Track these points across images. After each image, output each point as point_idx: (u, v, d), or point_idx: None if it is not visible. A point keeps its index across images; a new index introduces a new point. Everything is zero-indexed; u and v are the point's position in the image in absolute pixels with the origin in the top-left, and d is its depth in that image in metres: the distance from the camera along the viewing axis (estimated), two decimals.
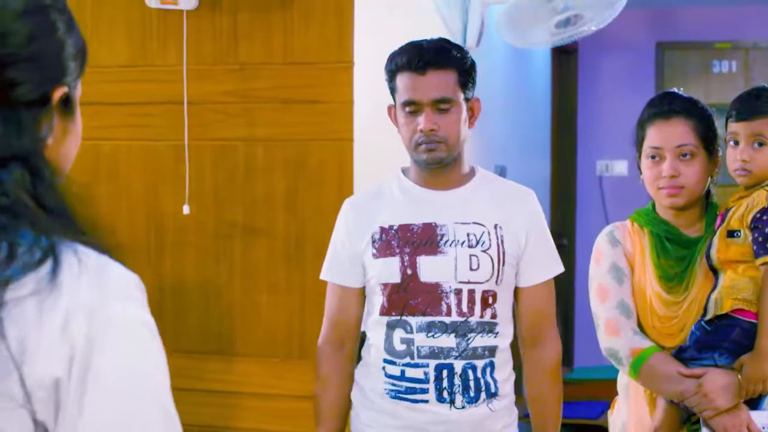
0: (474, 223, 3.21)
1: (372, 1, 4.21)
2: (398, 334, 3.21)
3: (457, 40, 5.09)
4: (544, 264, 3.31)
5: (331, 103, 4.11)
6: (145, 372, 1.40)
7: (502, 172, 6.23)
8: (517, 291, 3.30)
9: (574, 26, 5.10)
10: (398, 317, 3.20)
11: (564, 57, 8.81)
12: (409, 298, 3.18)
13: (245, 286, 4.27)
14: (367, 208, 3.31)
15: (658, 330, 3.21)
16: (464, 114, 3.20)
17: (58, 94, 1.47)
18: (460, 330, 3.17)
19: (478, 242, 3.19)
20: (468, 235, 3.19)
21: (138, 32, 4.34)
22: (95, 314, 1.34)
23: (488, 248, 3.19)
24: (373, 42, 4.22)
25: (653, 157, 3.23)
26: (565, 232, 8.77)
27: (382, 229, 3.24)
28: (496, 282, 3.20)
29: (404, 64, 3.17)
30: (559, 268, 3.35)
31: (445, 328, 3.16)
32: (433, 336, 3.17)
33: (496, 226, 3.22)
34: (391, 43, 4.30)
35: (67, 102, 1.49)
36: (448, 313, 3.16)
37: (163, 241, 4.35)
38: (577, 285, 8.11)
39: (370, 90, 4.16)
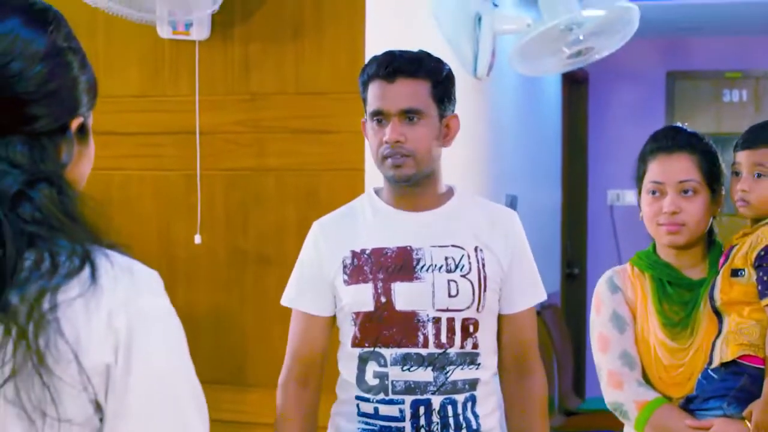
0: (453, 246, 2.99)
1: (383, 32, 4.23)
2: (371, 367, 2.97)
3: (467, 69, 5.11)
4: (529, 290, 3.11)
5: (342, 132, 4.12)
6: (174, 351, 1.68)
7: (513, 201, 6.23)
8: (499, 318, 3.07)
9: (584, 56, 5.12)
10: (371, 349, 2.97)
11: (575, 86, 8.82)
12: (382, 327, 2.95)
13: (257, 315, 4.27)
14: (337, 230, 3.10)
15: (664, 380, 3.08)
16: (437, 129, 2.98)
17: (75, 123, 1.69)
18: (438, 362, 2.92)
19: (457, 266, 2.96)
20: (446, 258, 2.97)
21: (150, 62, 4.36)
22: (131, 308, 1.59)
23: (468, 273, 2.97)
24: None
25: (654, 193, 3.11)
26: (576, 261, 8.76)
27: (354, 254, 3.01)
28: (478, 309, 2.97)
29: (374, 72, 2.99)
30: (542, 296, 3.15)
31: (422, 361, 2.92)
32: (408, 369, 2.93)
33: (476, 249, 2.99)
34: None
35: (82, 129, 1.71)
36: (425, 344, 2.93)
37: (175, 271, 4.35)
38: (588, 313, 8.09)
39: None
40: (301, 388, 3.13)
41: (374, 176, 4.10)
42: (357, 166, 4.10)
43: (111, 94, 4.36)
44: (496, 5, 5.40)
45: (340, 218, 3.15)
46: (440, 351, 2.93)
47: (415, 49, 3.10)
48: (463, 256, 2.98)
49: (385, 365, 2.94)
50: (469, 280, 2.96)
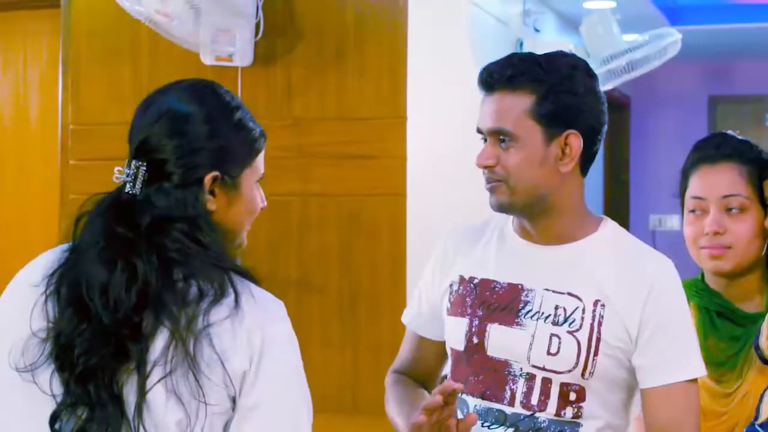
0: (569, 294, 2.44)
1: (425, 57, 4.23)
2: (456, 414, 2.43)
3: None
4: (672, 362, 2.40)
5: (384, 158, 4.12)
6: (293, 365, 2.10)
7: None
8: (647, 394, 2.43)
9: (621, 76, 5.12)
10: (459, 394, 2.46)
11: (617, 111, 8.80)
12: (470, 372, 2.50)
13: (299, 340, 4.26)
14: (461, 244, 2.64)
15: (703, 431, 2.50)
16: (538, 153, 2.42)
17: (208, 178, 2.08)
18: (523, 426, 2.43)
19: (566, 320, 2.42)
20: (556, 308, 2.44)
21: None
22: (266, 330, 2.04)
23: (577, 330, 2.41)
24: (427, 97, 4.24)
25: (694, 211, 2.66)
26: None
27: (462, 280, 2.57)
28: (583, 375, 2.40)
29: (478, 80, 2.51)
30: (694, 371, 2.42)
31: (504, 420, 2.45)
32: (488, 426, 2.47)
33: (596, 303, 2.41)
34: (444, 98, 4.32)
35: (224, 180, 2.12)
36: (511, 402, 2.44)
37: None
38: None
39: (423, 145, 4.17)
40: (404, 377, 2.75)
41: (416, 201, 4.11)
42: (399, 191, 4.10)
43: None
44: (537, 30, 5.40)
45: (467, 233, 2.68)
46: (527, 413, 2.44)
47: (551, 48, 2.62)
48: (577, 308, 2.43)
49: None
50: (576, 339, 2.42)
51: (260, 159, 2.28)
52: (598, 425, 2.43)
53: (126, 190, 2.05)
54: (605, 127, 2.53)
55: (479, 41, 4.85)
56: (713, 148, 2.68)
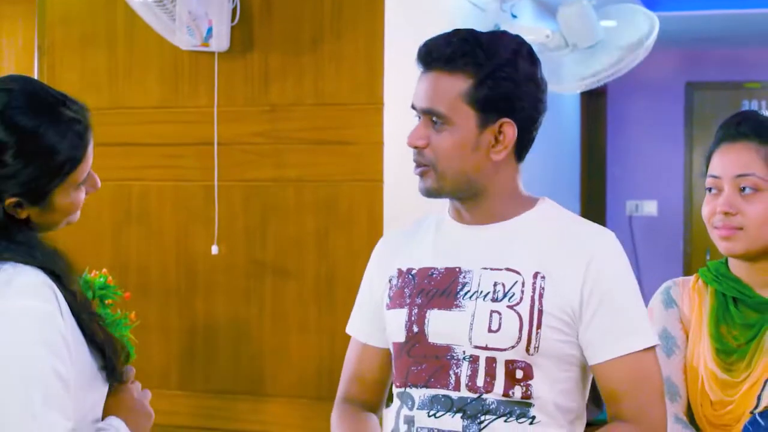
0: (507, 269, 2.36)
1: (402, 43, 4.23)
2: (402, 411, 2.43)
3: None
4: (622, 333, 2.33)
5: (361, 144, 4.12)
6: (17, 343, 2.02)
7: None
8: (597, 370, 2.36)
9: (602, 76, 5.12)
10: (402, 388, 2.43)
11: (593, 97, 8.82)
12: (411, 363, 2.41)
13: (275, 326, 4.27)
14: (395, 245, 2.59)
15: (708, 419, 2.51)
16: (471, 138, 2.34)
17: (7, 203, 2.12)
18: (470, 410, 2.33)
19: (505, 295, 2.33)
20: (495, 284, 2.35)
21: (170, 74, 4.37)
22: None
23: (517, 303, 2.32)
24: (404, 83, 4.23)
25: (710, 190, 2.59)
26: None
27: (400, 273, 2.49)
28: (528, 350, 2.31)
29: (417, 55, 2.42)
30: (645, 340, 2.34)
31: (450, 406, 2.35)
32: (434, 415, 2.36)
33: (536, 276, 2.34)
34: None
35: (25, 203, 2.15)
36: (456, 387, 2.34)
37: (194, 282, 4.36)
38: None
39: (400, 131, 4.16)
40: (352, 405, 2.62)
41: (393, 187, 4.11)
42: (376, 177, 4.10)
43: (130, 105, 4.38)
44: (515, 16, 5.41)
45: (401, 234, 2.63)
46: (474, 396, 2.33)
47: (491, 27, 2.41)
48: (516, 282, 2.34)
49: (413, 408, 2.40)
50: (517, 313, 2.32)
51: (84, 164, 2.21)
52: (549, 408, 2.34)
53: None
54: (543, 116, 2.46)
55: (456, 27, 4.85)
56: (734, 126, 2.57)
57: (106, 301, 3.63)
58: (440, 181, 2.37)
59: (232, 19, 4.20)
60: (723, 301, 2.57)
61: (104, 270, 3.71)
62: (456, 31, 2.40)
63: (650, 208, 8.76)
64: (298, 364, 4.25)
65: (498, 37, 2.40)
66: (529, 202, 2.46)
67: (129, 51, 4.43)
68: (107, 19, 4.43)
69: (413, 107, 2.40)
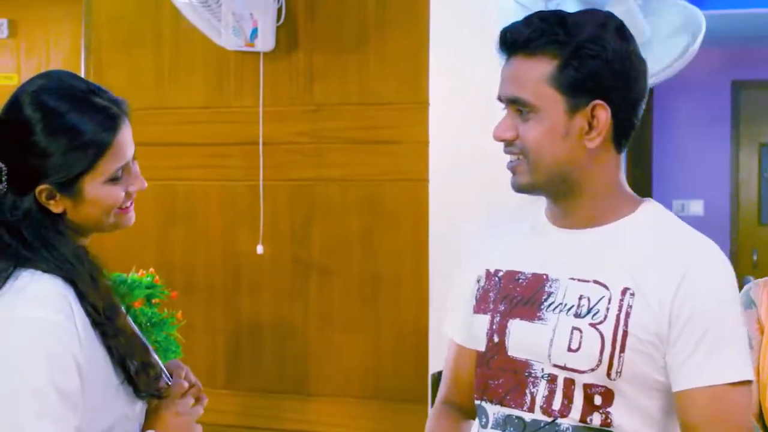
0: (594, 282, 2.13)
1: (447, 41, 4.22)
2: (478, 427, 2.27)
3: None
4: (710, 360, 2.05)
5: (406, 143, 4.11)
6: (17, 356, 2.00)
7: None
8: (676, 399, 2.10)
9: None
10: (479, 401, 2.26)
11: None
12: (490, 376, 2.22)
13: (320, 325, 4.27)
14: (487, 242, 2.40)
15: None
16: (561, 125, 2.13)
17: (38, 191, 2.11)
18: None
19: (589, 311, 2.11)
20: (580, 298, 2.13)
21: (215, 74, 4.39)
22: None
23: (600, 322, 2.09)
24: (448, 82, 4.22)
25: None
26: None
27: (488, 274, 2.31)
28: (609, 374, 2.08)
29: (497, 43, 2.21)
30: (737, 373, 2.05)
31: (523, 428, 2.16)
32: None
33: (625, 292, 2.09)
34: (466, 83, 4.31)
35: (59, 189, 2.12)
36: (531, 408, 2.15)
37: (239, 281, 4.37)
38: None
39: (445, 130, 4.16)
40: (449, 408, 2.45)
41: (438, 187, 4.10)
42: (421, 177, 4.10)
43: (176, 105, 4.40)
44: None
45: (499, 226, 2.42)
46: (548, 420, 2.14)
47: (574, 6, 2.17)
48: (602, 298, 2.11)
49: (486, 426, 2.24)
50: (599, 333, 2.09)
51: (114, 152, 2.16)
52: None
53: None
54: (643, 99, 2.22)
55: (501, 25, 4.83)
56: None
57: (153, 300, 3.65)
58: (533, 175, 2.16)
59: (277, 19, 4.21)
60: None
61: (151, 269, 3.73)
62: (537, 12, 2.19)
63: (696, 207, 8.70)
64: (343, 363, 4.25)
65: (583, 13, 2.18)
66: (631, 205, 2.23)
67: (175, 51, 4.44)
68: (153, 19, 4.46)
69: (499, 99, 2.20)
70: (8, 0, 5.65)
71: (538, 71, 2.11)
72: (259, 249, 4.27)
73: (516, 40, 2.14)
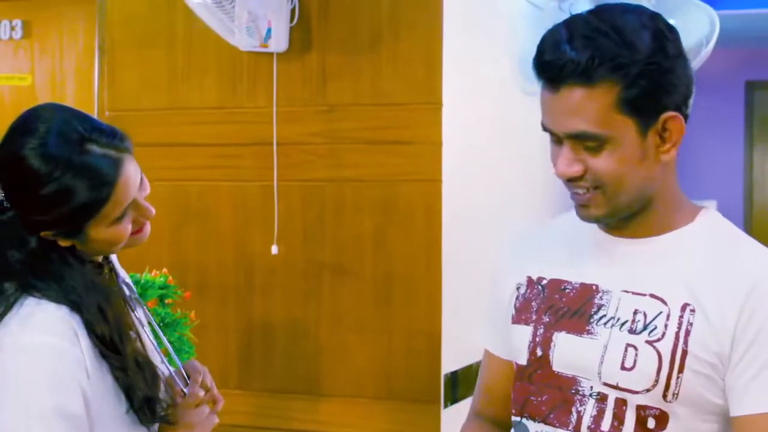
0: (651, 296, 2.00)
1: (461, 42, 4.22)
2: None
3: None
4: None
5: (419, 143, 4.11)
6: (10, 374, 2.06)
7: None
8: (734, 424, 1.96)
9: None
10: (519, 417, 2.14)
11: None
12: (532, 392, 2.11)
13: (333, 326, 4.27)
14: (528, 246, 2.26)
15: None
16: (636, 148, 1.98)
17: (44, 234, 2.14)
18: None
19: (645, 327, 1.98)
20: (635, 312, 2.00)
21: (228, 74, 4.39)
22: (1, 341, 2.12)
23: (658, 339, 1.96)
24: (462, 83, 4.22)
25: None
26: None
27: (529, 281, 2.18)
28: (665, 396, 1.96)
29: (536, 71, 2.01)
30: None
31: None
32: None
33: (684, 308, 1.97)
34: (479, 83, 4.31)
35: (61, 237, 2.16)
36: (577, 428, 2.02)
37: (252, 282, 4.37)
38: None
39: (459, 131, 4.16)
40: (482, 421, 2.36)
41: (452, 187, 4.09)
42: (434, 177, 4.09)
43: (189, 105, 4.40)
44: None
45: (539, 230, 2.31)
46: None
47: (606, 22, 1.95)
48: (660, 314, 1.98)
49: None
50: (657, 351, 1.96)
51: (116, 198, 2.18)
52: None
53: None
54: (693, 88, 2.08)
55: (515, 26, 4.83)
56: None
57: (166, 301, 3.65)
58: (611, 204, 2.02)
59: (291, 19, 4.21)
60: None
61: (164, 270, 3.74)
62: (574, 33, 1.95)
63: (711, 208, 8.67)
64: (355, 363, 4.24)
65: (624, 18, 1.95)
66: (690, 213, 2.12)
67: (188, 52, 4.45)
68: (167, 20, 4.46)
69: (547, 130, 2.03)
70: (22, 1, 5.66)
71: (603, 100, 1.93)
72: (274, 249, 4.27)
73: (571, 71, 1.92)
